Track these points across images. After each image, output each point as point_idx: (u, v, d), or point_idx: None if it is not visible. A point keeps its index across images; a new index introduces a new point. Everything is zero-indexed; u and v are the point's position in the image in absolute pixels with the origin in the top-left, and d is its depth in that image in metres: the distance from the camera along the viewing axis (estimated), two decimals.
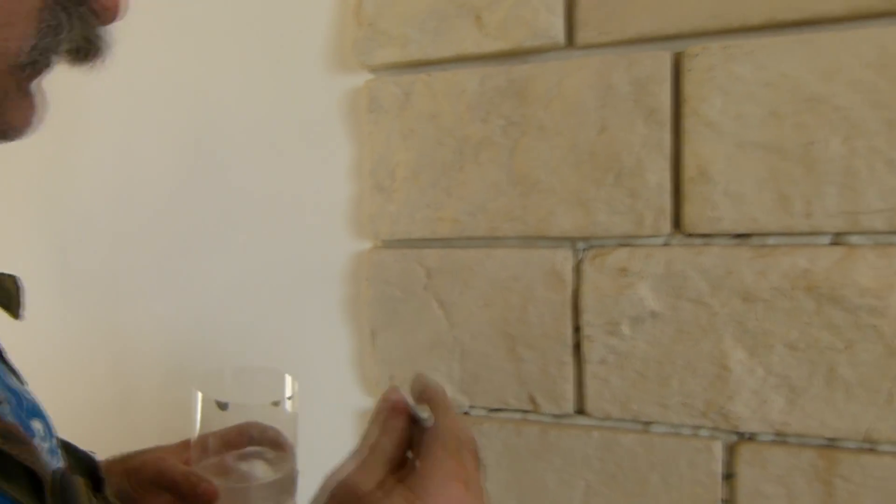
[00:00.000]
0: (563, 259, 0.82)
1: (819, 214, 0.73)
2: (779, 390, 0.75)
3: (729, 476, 0.79)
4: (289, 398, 0.61)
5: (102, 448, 1.06)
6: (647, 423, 0.82)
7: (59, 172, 1.08)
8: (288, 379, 0.64)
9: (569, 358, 0.83)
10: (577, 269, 0.82)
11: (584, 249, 0.82)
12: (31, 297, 1.08)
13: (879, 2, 0.69)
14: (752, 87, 0.74)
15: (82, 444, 1.14)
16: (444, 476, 0.43)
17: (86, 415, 1.10)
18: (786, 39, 0.73)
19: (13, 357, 0.48)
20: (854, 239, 0.73)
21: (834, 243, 0.74)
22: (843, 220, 0.72)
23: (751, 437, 0.78)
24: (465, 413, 0.89)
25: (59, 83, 1.04)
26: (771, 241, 0.76)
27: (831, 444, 0.75)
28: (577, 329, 0.83)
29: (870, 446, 0.74)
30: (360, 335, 0.94)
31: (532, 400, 0.85)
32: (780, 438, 0.77)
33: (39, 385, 1.11)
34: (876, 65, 0.70)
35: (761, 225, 0.75)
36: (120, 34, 1.00)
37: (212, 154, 0.99)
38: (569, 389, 0.84)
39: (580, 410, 0.84)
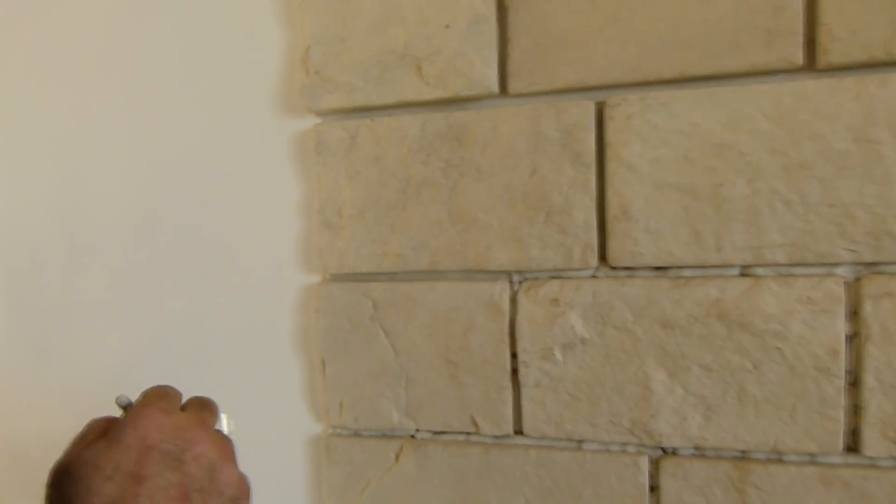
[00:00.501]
0: (501, 290, 0.89)
1: (728, 248, 0.81)
2: (696, 408, 0.83)
3: (654, 488, 0.86)
4: (226, 435, 0.61)
5: None
6: (580, 442, 0.88)
7: (10, 202, 1.10)
8: (223, 417, 0.64)
9: (507, 382, 0.89)
10: (514, 300, 0.89)
11: (519, 282, 0.89)
12: None
13: (776, 61, 0.78)
14: (666, 134, 0.82)
15: (36, 473, 1.16)
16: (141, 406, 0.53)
17: (40, 444, 1.12)
18: (695, 92, 0.81)
19: None
20: (759, 271, 0.81)
21: (742, 275, 0.82)
22: (749, 254, 0.80)
23: (673, 452, 0.86)
24: (412, 437, 0.94)
25: (12, 119, 1.07)
26: (686, 273, 0.83)
27: (744, 456, 0.83)
28: (514, 355, 0.89)
29: (777, 457, 0.82)
30: (311, 364, 0.98)
31: (474, 422, 0.91)
32: (699, 452, 0.85)
33: None
34: (773, 116, 0.78)
35: (677, 258, 0.82)
36: (81, 72, 1.04)
37: (167, 191, 1.02)
38: (508, 412, 0.90)
39: (518, 431, 0.90)
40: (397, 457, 0.94)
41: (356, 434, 0.97)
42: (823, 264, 0.79)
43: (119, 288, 1.06)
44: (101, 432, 0.51)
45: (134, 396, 0.61)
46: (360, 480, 0.95)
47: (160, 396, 0.58)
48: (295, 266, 0.98)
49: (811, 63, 0.78)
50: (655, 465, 0.86)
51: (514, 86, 0.87)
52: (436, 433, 0.94)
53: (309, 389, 0.99)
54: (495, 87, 0.87)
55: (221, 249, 1.01)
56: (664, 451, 0.86)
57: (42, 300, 1.10)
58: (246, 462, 1.00)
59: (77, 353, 1.09)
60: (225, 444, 0.56)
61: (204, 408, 0.60)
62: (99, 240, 1.06)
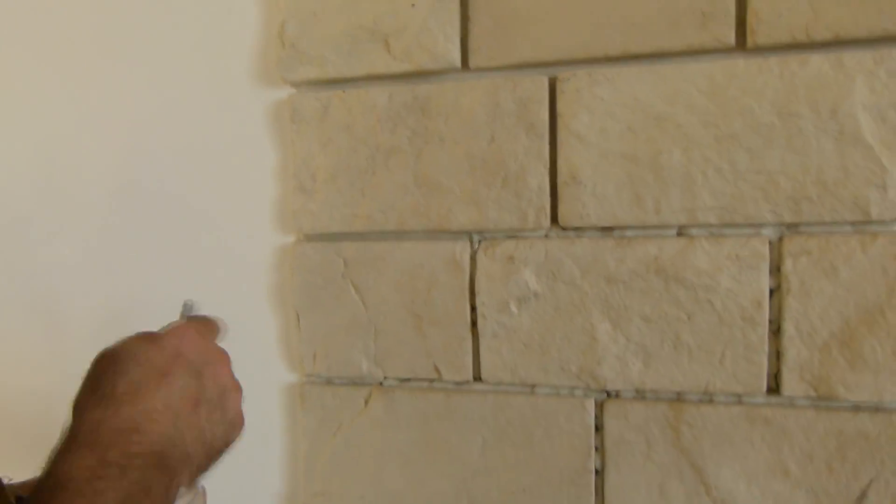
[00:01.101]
0: (462, 249, 0.97)
1: (666, 211, 0.89)
2: (637, 355, 0.92)
3: (599, 428, 0.95)
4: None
5: (46, 429, 1.15)
6: (533, 386, 0.97)
7: None
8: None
9: (467, 333, 0.98)
10: (473, 258, 0.97)
11: (479, 241, 0.97)
12: None
13: (710, 41, 0.86)
14: (612, 107, 0.90)
15: (21, 427, 1.23)
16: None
17: (24, 399, 1.19)
18: (638, 69, 0.89)
19: None
20: (693, 231, 0.90)
21: (678, 234, 0.91)
22: (684, 216, 0.89)
23: (616, 395, 0.95)
24: (380, 384, 1.03)
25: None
26: (629, 233, 0.92)
27: (678, 398, 0.93)
28: (473, 308, 0.97)
29: (708, 398, 0.92)
30: (287, 318, 1.06)
31: (436, 370, 0.99)
32: (639, 395, 0.94)
33: None
34: (707, 92, 0.87)
35: (620, 220, 0.91)
36: (64, 42, 1.09)
37: (148, 157, 1.09)
38: (467, 360, 0.98)
39: (477, 378, 0.99)
40: (366, 402, 1.02)
41: (329, 382, 1.05)
42: (750, 225, 0.88)
43: (101, 248, 1.12)
44: (147, 335, 0.60)
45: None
46: (332, 424, 1.04)
47: (202, 322, 0.70)
48: (271, 227, 1.05)
49: (741, 43, 0.86)
50: (600, 407, 0.95)
51: (475, 61, 0.94)
52: (402, 380, 1.02)
53: (285, 342, 1.07)
54: (457, 62, 0.95)
55: (201, 213, 1.07)
56: (608, 394, 0.95)
57: (26, 260, 1.16)
58: None
59: (61, 311, 1.15)
60: (237, 384, 0.65)
61: (217, 334, 0.71)
62: (81, 202, 1.12)
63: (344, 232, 1.00)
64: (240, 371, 1.08)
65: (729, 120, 0.86)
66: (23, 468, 0.59)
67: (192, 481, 0.57)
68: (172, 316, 1.13)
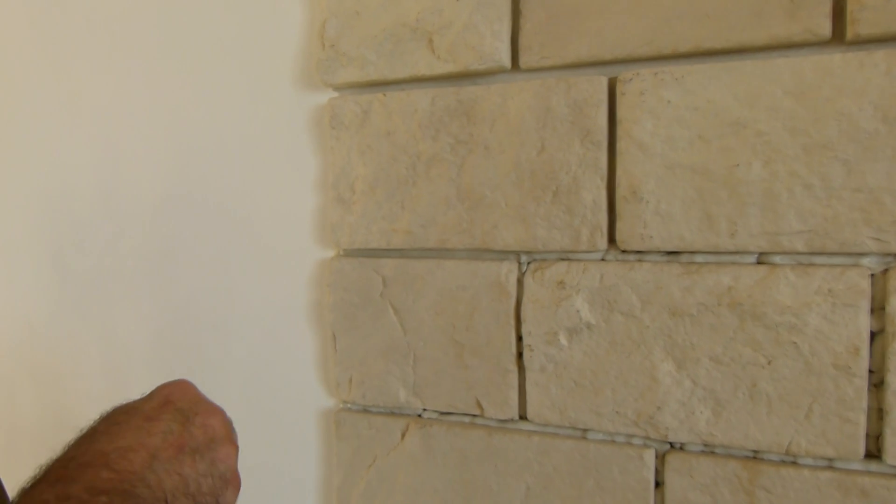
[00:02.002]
0: (508, 271, 0.86)
1: (743, 234, 0.76)
2: (705, 402, 0.78)
3: (659, 484, 0.82)
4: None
5: None
6: (584, 431, 0.85)
7: (55, 180, 1.15)
8: None
9: (512, 366, 0.87)
10: (520, 282, 0.86)
11: (527, 263, 0.86)
12: (30, 298, 1.17)
13: (799, 33, 0.72)
14: (680, 112, 0.77)
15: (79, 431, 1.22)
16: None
17: (80, 404, 1.18)
18: (712, 67, 0.76)
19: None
20: (776, 259, 0.76)
21: (758, 262, 0.76)
22: (765, 241, 0.75)
23: (680, 447, 0.81)
24: (419, 415, 0.93)
25: (55, 98, 1.12)
26: (698, 258, 0.79)
27: (754, 456, 0.78)
28: (519, 338, 0.87)
29: (791, 459, 0.77)
30: (324, 339, 0.99)
31: (479, 405, 0.89)
32: (708, 449, 0.80)
33: (36, 376, 1.19)
34: (794, 92, 0.72)
35: (689, 243, 0.78)
36: (114, 57, 1.08)
37: (192, 168, 1.05)
38: (512, 396, 0.88)
39: (522, 416, 0.88)
40: (403, 435, 0.93)
41: (365, 410, 0.96)
42: (847, 254, 0.73)
43: (151, 259, 1.10)
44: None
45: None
46: (367, 456, 0.95)
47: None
48: (311, 240, 0.98)
49: (839, 35, 0.72)
50: (661, 459, 0.82)
51: (526, 60, 0.84)
52: (441, 413, 0.92)
53: (322, 363, 0.99)
54: (506, 62, 0.85)
55: (244, 224, 1.02)
56: (671, 445, 0.82)
57: (84, 270, 1.15)
58: (263, 433, 1.02)
59: (114, 320, 1.13)
60: (234, 439, 0.59)
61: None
62: (134, 214, 1.10)
63: (383, 248, 0.92)
64: (277, 392, 1.03)
65: (821, 126, 0.72)
66: None
67: None
68: (210, 332, 1.09)
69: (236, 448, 0.58)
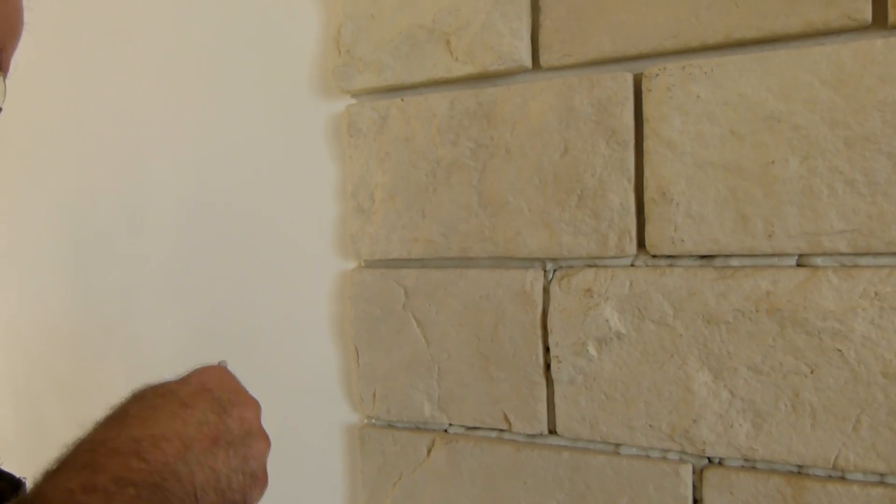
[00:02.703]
0: (533, 279, 0.83)
1: (780, 235, 0.71)
2: (744, 414, 0.74)
3: (697, 501, 0.77)
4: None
5: None
6: (617, 445, 0.81)
7: (79, 196, 1.15)
8: None
9: (540, 378, 0.83)
10: (546, 290, 0.82)
11: (553, 270, 0.83)
12: (55, 312, 1.16)
13: (837, 18, 0.67)
14: (710, 107, 0.73)
15: None
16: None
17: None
18: (743, 58, 0.71)
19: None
20: (817, 261, 0.71)
21: (798, 265, 0.72)
22: (804, 242, 0.70)
23: (720, 462, 0.77)
24: (445, 430, 0.90)
25: (78, 111, 1.11)
26: (733, 262, 0.74)
27: (799, 472, 0.73)
28: (546, 349, 0.83)
29: (838, 474, 0.72)
30: (346, 352, 0.96)
31: (506, 419, 0.86)
32: (748, 464, 0.75)
33: (62, 389, 1.18)
34: (833, 82, 0.68)
35: (723, 246, 0.74)
36: (131, 69, 1.07)
37: (212, 181, 1.04)
38: (541, 409, 0.84)
39: (552, 430, 0.84)
40: (429, 451, 0.90)
41: (390, 425, 0.93)
42: (894, 254, 0.68)
43: (173, 272, 1.08)
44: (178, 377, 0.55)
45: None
46: (392, 473, 0.92)
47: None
48: (332, 252, 0.96)
49: (880, 19, 0.67)
50: (699, 475, 0.77)
51: (546, 58, 0.80)
52: (468, 428, 0.89)
53: (345, 377, 0.97)
54: (526, 61, 0.81)
55: (265, 236, 1.01)
56: (709, 460, 0.77)
57: (107, 282, 1.14)
58: (287, 449, 0.99)
59: (137, 332, 1.12)
60: (265, 434, 0.56)
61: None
62: (156, 227, 1.09)
63: (404, 258, 0.89)
64: (301, 407, 1.00)
65: (863, 118, 0.67)
66: None
67: None
68: (232, 346, 1.08)
69: (269, 444, 0.56)
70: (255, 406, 0.56)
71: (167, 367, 1.05)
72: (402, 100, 0.88)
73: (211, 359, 0.96)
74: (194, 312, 1.08)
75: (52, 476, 0.43)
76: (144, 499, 0.43)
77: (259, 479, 0.54)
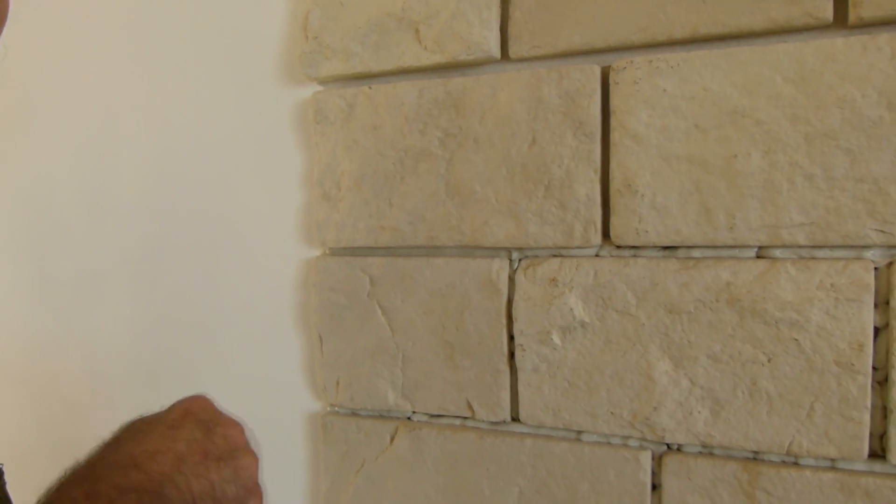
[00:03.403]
0: (499, 268, 0.83)
1: (742, 228, 0.73)
2: (703, 402, 0.76)
3: (656, 487, 0.79)
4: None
5: (77, 435, 1.10)
6: (579, 433, 0.82)
7: (33, 180, 1.12)
8: None
9: (504, 366, 0.84)
10: (512, 279, 0.83)
11: (518, 260, 0.83)
12: (9, 302, 1.13)
13: (800, 16, 0.69)
14: (676, 101, 0.74)
15: (60, 434, 1.20)
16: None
17: (61, 407, 1.14)
18: (709, 53, 0.73)
19: None
20: (776, 253, 0.73)
21: (757, 257, 0.74)
22: (764, 234, 0.72)
23: (679, 449, 0.79)
24: (408, 418, 0.91)
25: (33, 96, 1.08)
26: (695, 253, 0.76)
27: (755, 457, 0.76)
28: (511, 338, 0.84)
29: (792, 460, 0.74)
30: (310, 340, 0.96)
31: (470, 406, 0.86)
32: (706, 450, 0.77)
33: (18, 381, 1.16)
34: (795, 79, 0.70)
35: (685, 237, 0.75)
36: (96, 49, 1.05)
37: (173, 167, 1.02)
38: (505, 397, 0.85)
39: (515, 418, 0.85)
40: (392, 439, 0.90)
41: (353, 413, 0.93)
42: (850, 247, 0.70)
43: (133, 260, 1.06)
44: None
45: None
46: (355, 461, 0.92)
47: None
48: (297, 239, 0.95)
49: (841, 18, 0.69)
50: (658, 461, 0.79)
51: (516, 49, 0.81)
52: (432, 416, 0.90)
53: (309, 366, 0.96)
54: (495, 51, 0.82)
55: (228, 223, 0.99)
56: (668, 447, 0.79)
57: (64, 272, 1.12)
58: (249, 436, 0.98)
59: (96, 321, 1.10)
60: (252, 451, 0.59)
61: None
62: (114, 214, 1.07)
63: (370, 246, 0.89)
64: (263, 396, 0.99)
65: (823, 114, 0.69)
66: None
67: None
68: (193, 334, 1.06)
69: (257, 460, 0.58)
70: (238, 425, 0.59)
71: (128, 357, 1.04)
72: (370, 88, 0.87)
73: (173, 347, 0.95)
74: (155, 301, 1.06)
75: (54, 490, 0.45)
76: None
77: (253, 491, 0.56)
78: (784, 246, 0.72)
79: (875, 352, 0.70)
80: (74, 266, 1.11)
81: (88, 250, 1.09)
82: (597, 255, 0.80)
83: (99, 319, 1.10)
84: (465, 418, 0.88)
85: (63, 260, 1.12)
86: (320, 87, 0.92)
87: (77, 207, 1.10)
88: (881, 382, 0.70)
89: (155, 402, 0.59)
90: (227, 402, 1.00)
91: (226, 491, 0.53)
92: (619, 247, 0.79)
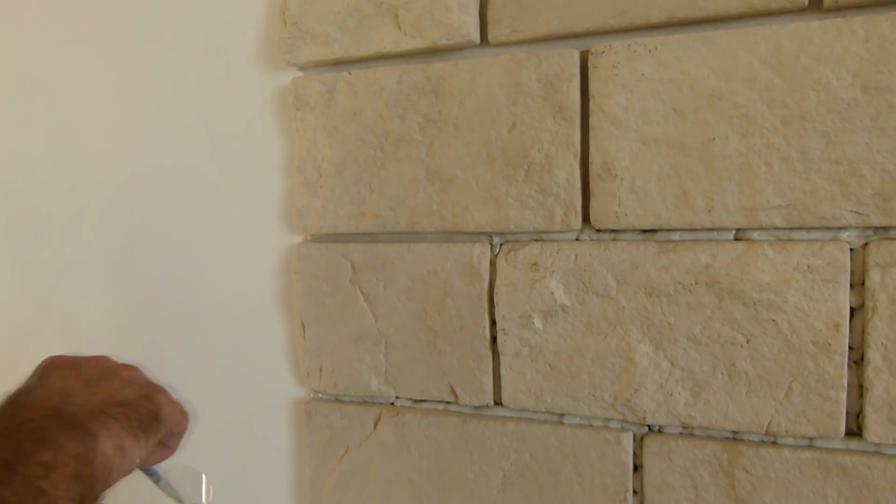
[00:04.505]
0: (481, 253, 0.84)
1: (720, 210, 0.73)
2: (683, 383, 0.77)
3: (637, 467, 0.80)
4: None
5: None
6: (561, 415, 0.83)
7: (12, 167, 1.11)
8: (204, 479, 0.64)
9: (487, 351, 0.85)
10: (493, 264, 0.84)
11: (499, 244, 0.84)
12: None
13: (776, 0, 0.70)
14: (654, 84, 0.75)
15: None
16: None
17: None
18: (686, 37, 0.73)
19: None
20: (754, 235, 0.74)
21: (735, 239, 0.74)
22: (742, 216, 0.73)
23: (659, 430, 0.79)
24: (391, 404, 0.91)
25: (7, 83, 1.07)
26: (674, 236, 0.77)
27: (734, 437, 0.76)
28: (493, 322, 0.84)
29: (771, 439, 0.75)
30: (293, 327, 0.96)
31: (453, 391, 0.87)
32: (687, 431, 0.78)
33: None
34: (771, 62, 0.70)
35: (665, 221, 0.76)
36: (66, 36, 1.04)
37: (153, 154, 1.01)
38: (487, 381, 0.85)
39: (498, 402, 0.86)
40: (375, 424, 0.90)
41: (336, 399, 0.94)
42: (826, 228, 0.71)
43: (113, 249, 1.06)
44: None
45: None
46: (339, 447, 0.92)
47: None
48: (279, 226, 0.95)
49: (816, 2, 0.70)
50: (639, 443, 0.80)
51: (495, 34, 0.81)
52: (415, 401, 0.90)
53: (292, 352, 0.96)
54: (474, 36, 0.82)
55: (209, 210, 0.99)
56: (649, 428, 0.80)
57: (43, 261, 1.11)
58: (233, 425, 0.99)
59: (74, 310, 1.10)
60: (133, 367, 0.57)
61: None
62: (93, 201, 1.06)
63: (351, 232, 0.89)
64: (246, 383, 0.99)
65: (799, 97, 0.70)
66: None
67: (147, 440, 0.51)
68: (176, 321, 1.06)
69: (138, 370, 0.56)
70: (103, 357, 0.56)
71: (110, 346, 1.03)
72: (350, 73, 0.87)
73: (156, 335, 0.94)
74: (135, 288, 1.05)
75: None
76: (47, 417, 0.45)
77: (155, 388, 0.55)
78: (761, 228, 0.73)
79: (851, 332, 0.71)
80: (53, 256, 1.10)
81: (67, 240, 1.09)
82: (577, 239, 0.80)
83: (79, 310, 1.10)
84: (449, 403, 0.88)
85: (41, 247, 1.11)
86: (300, 73, 0.92)
87: (54, 196, 1.09)
88: (857, 362, 0.71)
89: None
90: (211, 390, 1.00)
91: (127, 395, 0.51)
92: (599, 230, 0.79)
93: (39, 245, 1.11)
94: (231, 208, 0.97)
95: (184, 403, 0.58)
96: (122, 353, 1.05)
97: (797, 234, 0.72)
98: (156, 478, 0.61)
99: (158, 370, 1.04)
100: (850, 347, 0.71)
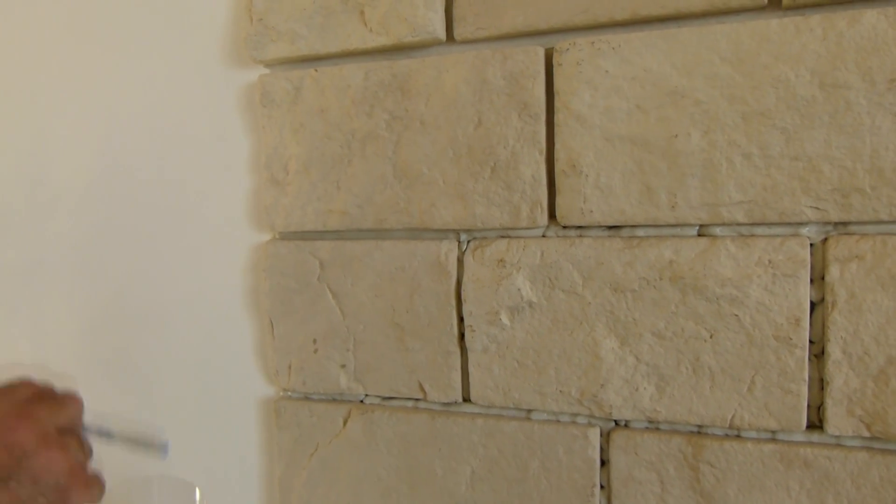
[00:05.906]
0: (448, 250, 0.84)
1: (683, 206, 0.74)
2: (649, 378, 0.77)
3: (605, 462, 0.80)
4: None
5: None
6: (528, 411, 0.84)
7: None
8: (198, 492, 0.63)
9: (455, 347, 0.85)
10: (460, 261, 0.84)
11: (467, 241, 0.84)
12: None
13: None
14: (618, 82, 0.75)
15: None
16: None
17: None
18: (649, 34, 0.74)
19: None
20: (716, 230, 0.74)
21: (699, 235, 0.75)
22: (705, 212, 0.73)
23: (626, 425, 0.80)
24: (361, 401, 0.91)
25: None
26: (639, 232, 0.77)
27: (699, 431, 0.77)
28: (461, 319, 0.84)
29: (734, 433, 0.76)
30: (261, 325, 0.95)
31: (421, 388, 0.87)
32: (653, 425, 0.79)
33: None
34: (732, 60, 0.71)
35: (629, 217, 0.76)
36: (31, 33, 1.02)
37: (118, 153, 1.00)
38: (455, 378, 0.85)
39: (466, 399, 0.86)
40: (345, 422, 0.90)
41: (306, 397, 0.94)
42: (786, 224, 0.72)
43: (78, 248, 1.05)
44: None
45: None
46: (309, 445, 0.92)
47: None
48: (246, 224, 0.95)
49: (776, 0, 0.70)
50: (606, 438, 0.80)
51: (460, 31, 0.81)
52: (384, 398, 0.90)
53: (260, 351, 0.96)
54: (440, 33, 0.82)
55: (175, 209, 0.98)
56: (615, 423, 0.80)
57: (7, 262, 1.10)
58: (202, 424, 0.98)
59: (42, 312, 1.08)
60: (58, 442, 0.53)
61: (43, 401, 0.58)
62: (57, 201, 1.05)
63: (319, 230, 0.89)
64: (215, 384, 0.99)
65: (759, 94, 0.70)
66: None
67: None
68: (144, 320, 1.05)
69: (62, 450, 0.52)
70: (22, 424, 0.52)
71: (78, 347, 1.02)
72: (317, 70, 0.87)
73: (123, 336, 0.94)
74: (103, 288, 1.05)
75: None
76: None
77: (70, 485, 0.51)
78: (724, 224, 0.74)
79: (811, 326, 0.72)
80: (17, 256, 1.09)
81: (32, 241, 1.07)
82: (543, 236, 0.81)
83: (46, 311, 1.09)
84: (417, 400, 0.88)
85: (6, 250, 1.10)
86: (266, 70, 0.91)
87: (17, 196, 1.08)
88: (818, 355, 0.72)
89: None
90: (180, 389, 1.00)
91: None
92: (564, 227, 0.80)
93: (4, 244, 1.10)
94: (198, 206, 0.97)
95: (98, 474, 0.55)
96: (90, 352, 1.05)
97: (758, 230, 0.73)
98: (108, 436, 0.60)
99: (127, 369, 1.04)
100: (811, 341, 0.72)
